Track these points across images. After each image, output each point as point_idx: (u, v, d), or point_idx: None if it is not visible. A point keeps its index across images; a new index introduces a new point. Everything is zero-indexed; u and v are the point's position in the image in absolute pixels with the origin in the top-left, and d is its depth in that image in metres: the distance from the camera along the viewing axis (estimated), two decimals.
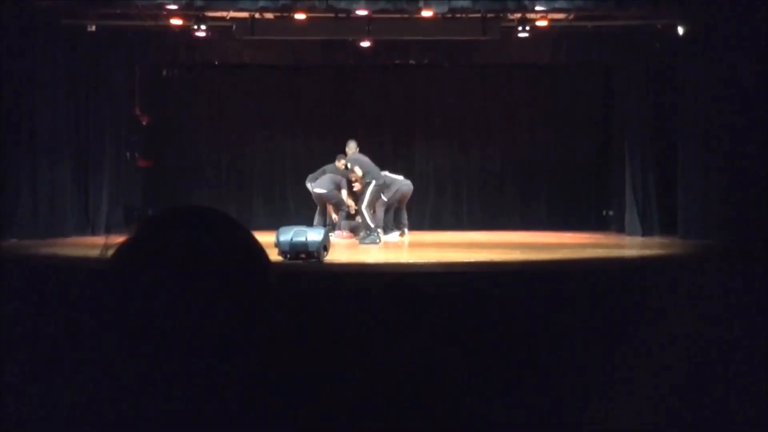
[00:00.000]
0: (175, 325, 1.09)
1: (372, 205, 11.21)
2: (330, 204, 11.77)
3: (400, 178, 11.83)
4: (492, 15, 11.40)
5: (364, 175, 11.25)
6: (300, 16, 11.23)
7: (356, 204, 11.57)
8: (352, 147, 11.81)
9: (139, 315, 1.09)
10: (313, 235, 8.57)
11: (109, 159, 12.55)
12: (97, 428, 1.06)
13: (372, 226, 11.06)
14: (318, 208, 11.89)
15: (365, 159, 11.53)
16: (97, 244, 1.20)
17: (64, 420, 1.07)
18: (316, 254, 8.36)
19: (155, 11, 11.31)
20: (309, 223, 10.93)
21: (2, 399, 1.09)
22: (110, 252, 1.16)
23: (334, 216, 11.83)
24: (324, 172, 11.77)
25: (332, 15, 11.23)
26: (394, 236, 11.55)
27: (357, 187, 11.56)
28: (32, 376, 1.11)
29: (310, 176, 11.86)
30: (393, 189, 11.55)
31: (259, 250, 1.20)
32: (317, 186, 11.63)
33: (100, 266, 1.14)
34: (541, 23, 11.72)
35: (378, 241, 10.96)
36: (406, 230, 11.93)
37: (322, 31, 11.77)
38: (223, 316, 1.11)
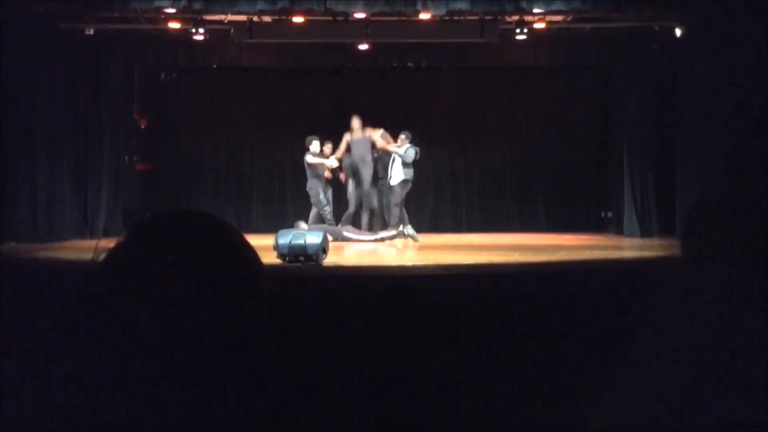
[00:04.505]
0: (168, 328, 1.10)
1: (399, 202, 11.46)
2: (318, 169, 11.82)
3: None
4: (490, 17, 11.40)
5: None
6: (298, 19, 11.23)
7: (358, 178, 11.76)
8: (356, 124, 11.87)
9: (131, 318, 1.10)
10: (311, 237, 8.58)
11: (107, 162, 12.53)
12: (95, 429, 1.07)
13: (405, 219, 11.39)
14: (312, 209, 11.88)
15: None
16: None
17: (63, 421, 1.07)
18: (314, 257, 8.37)
19: (153, 15, 11.32)
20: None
21: (2, 400, 1.09)
22: (102, 256, 1.16)
23: (327, 174, 11.85)
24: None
25: (330, 18, 11.23)
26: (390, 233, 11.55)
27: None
28: (31, 379, 1.11)
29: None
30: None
31: (250, 253, 1.20)
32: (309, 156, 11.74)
33: (92, 269, 1.15)
34: (539, 26, 11.74)
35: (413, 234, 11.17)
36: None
37: (320, 34, 11.77)
38: (214, 318, 1.12)
